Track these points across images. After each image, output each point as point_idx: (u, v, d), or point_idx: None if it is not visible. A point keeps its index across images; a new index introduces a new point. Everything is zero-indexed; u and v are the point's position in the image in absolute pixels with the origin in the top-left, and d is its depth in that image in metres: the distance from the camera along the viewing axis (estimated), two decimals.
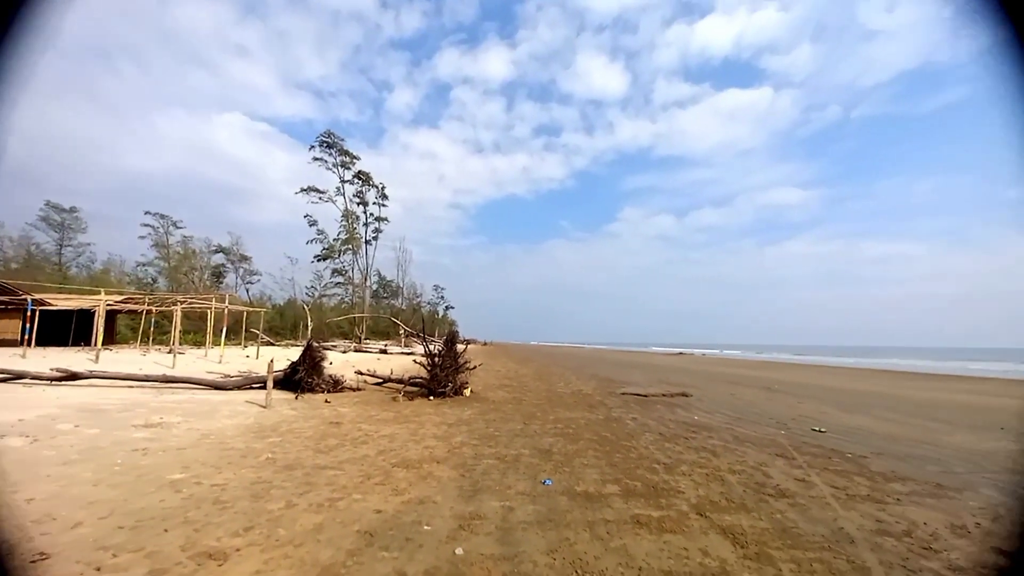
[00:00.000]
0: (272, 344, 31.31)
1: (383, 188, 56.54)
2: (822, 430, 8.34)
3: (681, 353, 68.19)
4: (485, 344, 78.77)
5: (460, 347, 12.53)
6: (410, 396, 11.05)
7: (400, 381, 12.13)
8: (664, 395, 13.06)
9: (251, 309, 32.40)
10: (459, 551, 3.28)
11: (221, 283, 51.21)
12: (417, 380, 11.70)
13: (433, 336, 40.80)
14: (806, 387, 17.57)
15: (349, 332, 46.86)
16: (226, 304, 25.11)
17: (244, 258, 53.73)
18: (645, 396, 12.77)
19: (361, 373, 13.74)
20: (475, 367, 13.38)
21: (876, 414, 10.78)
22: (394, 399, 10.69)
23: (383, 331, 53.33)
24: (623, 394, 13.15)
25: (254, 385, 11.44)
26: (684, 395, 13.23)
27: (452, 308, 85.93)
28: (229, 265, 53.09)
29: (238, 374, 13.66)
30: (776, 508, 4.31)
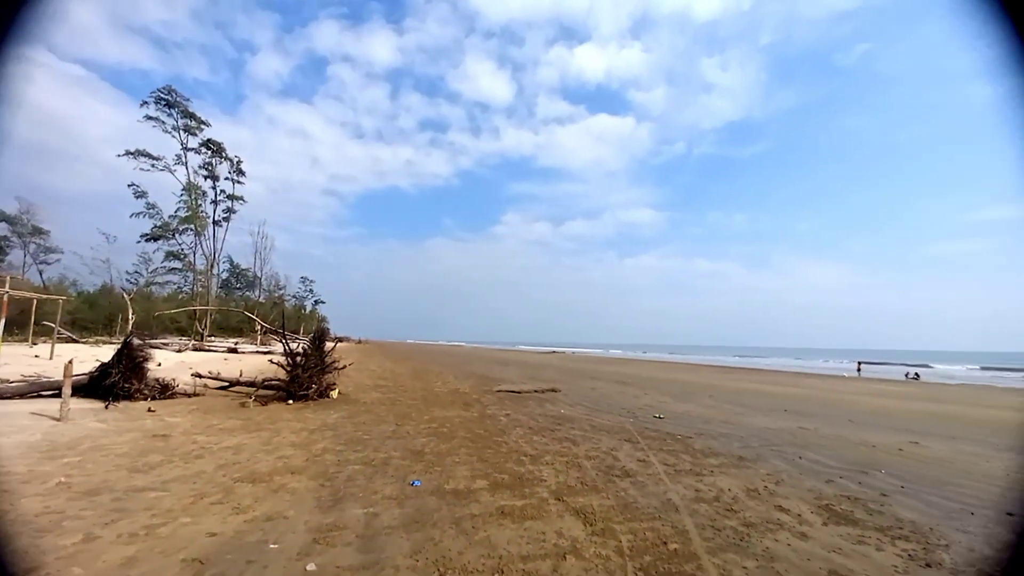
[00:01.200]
0: (76, 341, 25.14)
1: (239, 162, 49.10)
2: (661, 417, 9.68)
3: (554, 352, 73.09)
4: (360, 342, 74.36)
5: (329, 345, 11.61)
6: (264, 401, 9.86)
7: (252, 384, 10.74)
8: (536, 391, 13.83)
9: (46, 296, 25.54)
10: (311, 567, 3.02)
11: (1, 261, 39.38)
12: (274, 382, 10.50)
13: (298, 333, 37.08)
14: (651, 380, 20.24)
15: (188, 328, 39.96)
16: (6, 288, 19.38)
17: (38, 231, 42.06)
18: (519, 393, 13.36)
19: (200, 376, 11.82)
20: (345, 367, 12.51)
21: (700, 402, 12.90)
22: (243, 405, 9.42)
23: (235, 327, 46.59)
24: (498, 391, 13.56)
25: (44, 392, 9.05)
26: (554, 391, 14.18)
27: (323, 303, 78.86)
28: (15, 239, 41.04)
29: (21, 379, 10.66)
30: (621, 487, 4.87)
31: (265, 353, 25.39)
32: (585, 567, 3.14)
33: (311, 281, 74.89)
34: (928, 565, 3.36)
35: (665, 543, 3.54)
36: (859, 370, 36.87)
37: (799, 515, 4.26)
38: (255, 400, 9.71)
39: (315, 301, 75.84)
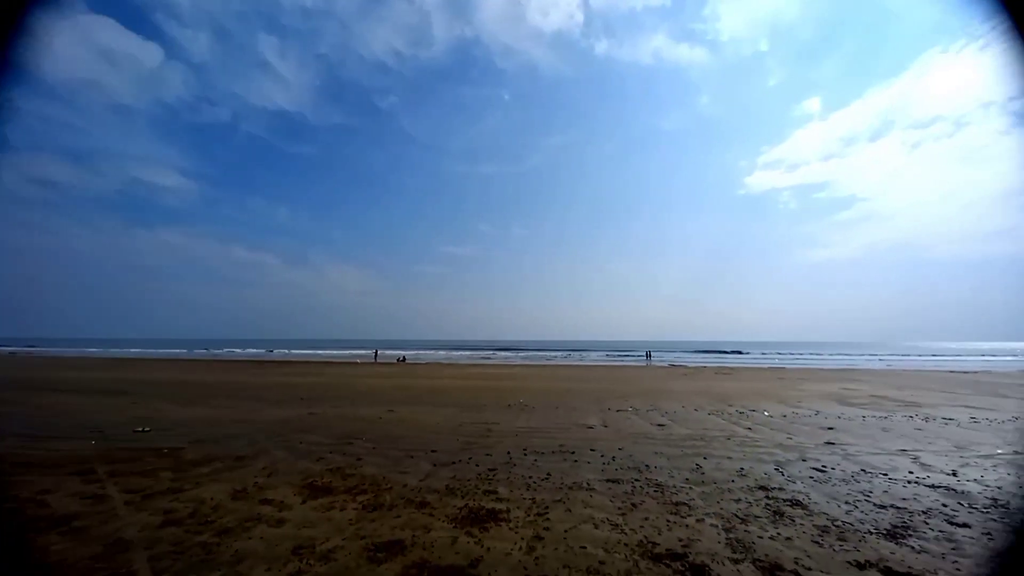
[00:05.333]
0: None
1: None
2: (146, 430, 7.77)
3: None
4: None
5: None
6: None
7: None
8: None
9: None
10: None
11: None
12: None
13: None
14: (158, 385, 16.30)
15: None
16: None
17: None
18: None
19: None
20: None
21: (214, 403, 11.50)
22: None
23: None
24: None
25: None
26: None
27: None
28: None
29: None
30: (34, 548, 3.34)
31: None
32: None
33: None
34: (375, 508, 4.22)
35: None
36: (376, 356, 45.03)
37: (282, 502, 4.37)
38: None
39: None
